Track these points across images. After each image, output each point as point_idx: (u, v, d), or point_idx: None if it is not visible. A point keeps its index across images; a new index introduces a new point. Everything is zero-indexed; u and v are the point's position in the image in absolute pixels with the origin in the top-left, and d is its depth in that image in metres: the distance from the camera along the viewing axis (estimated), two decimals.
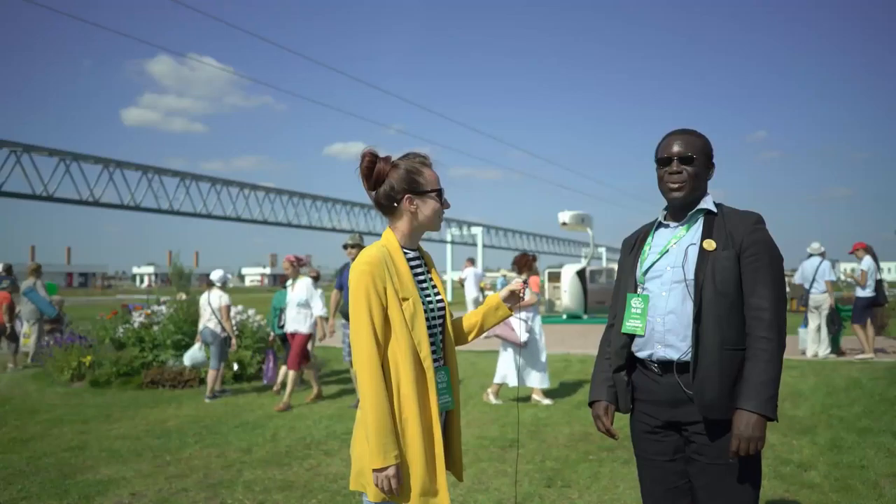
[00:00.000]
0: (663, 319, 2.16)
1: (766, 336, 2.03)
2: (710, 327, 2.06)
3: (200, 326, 7.96)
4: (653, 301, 2.20)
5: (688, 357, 2.11)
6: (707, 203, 2.22)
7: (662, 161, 2.24)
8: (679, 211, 2.26)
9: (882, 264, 10.98)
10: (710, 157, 2.26)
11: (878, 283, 10.42)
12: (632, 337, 2.25)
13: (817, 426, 5.86)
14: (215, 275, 8.07)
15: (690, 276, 2.12)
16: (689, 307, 2.11)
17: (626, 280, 2.32)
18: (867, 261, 10.40)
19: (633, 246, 2.37)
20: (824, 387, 7.77)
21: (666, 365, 2.16)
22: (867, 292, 10.31)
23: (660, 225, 2.32)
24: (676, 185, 2.21)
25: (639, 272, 2.27)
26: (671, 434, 2.20)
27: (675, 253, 2.19)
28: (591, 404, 2.39)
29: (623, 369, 2.29)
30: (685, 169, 2.20)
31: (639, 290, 2.26)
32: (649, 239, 2.31)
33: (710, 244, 2.12)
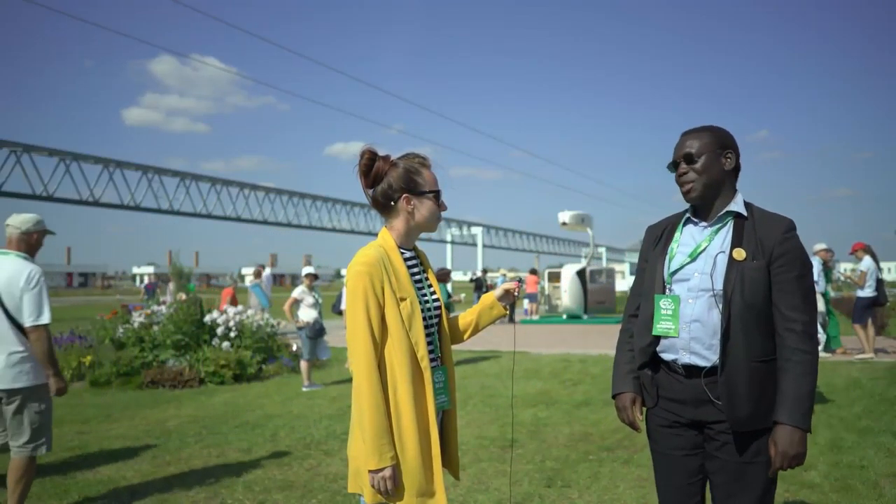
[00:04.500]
0: (688, 327, 2.14)
1: (802, 348, 2.01)
2: (739, 340, 2.04)
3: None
4: (680, 307, 2.16)
5: (715, 366, 2.09)
6: (737, 204, 2.16)
7: (671, 166, 2.24)
8: (704, 210, 2.21)
9: (882, 264, 10.99)
10: (724, 148, 2.17)
11: (879, 282, 10.42)
12: (657, 337, 2.22)
13: (817, 426, 5.86)
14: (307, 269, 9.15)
15: (719, 286, 2.08)
16: (715, 317, 2.08)
17: (652, 277, 2.26)
18: (867, 261, 10.41)
19: (660, 239, 2.31)
20: (824, 387, 7.76)
21: (691, 370, 2.14)
22: (868, 292, 10.32)
23: (688, 220, 2.27)
24: (686, 187, 2.19)
25: (666, 272, 2.22)
26: (691, 430, 2.19)
27: (703, 259, 2.15)
28: (614, 396, 2.35)
29: (647, 366, 2.26)
30: (691, 168, 2.17)
31: (666, 290, 2.21)
32: (677, 234, 2.26)
33: (739, 253, 2.08)
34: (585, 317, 20.62)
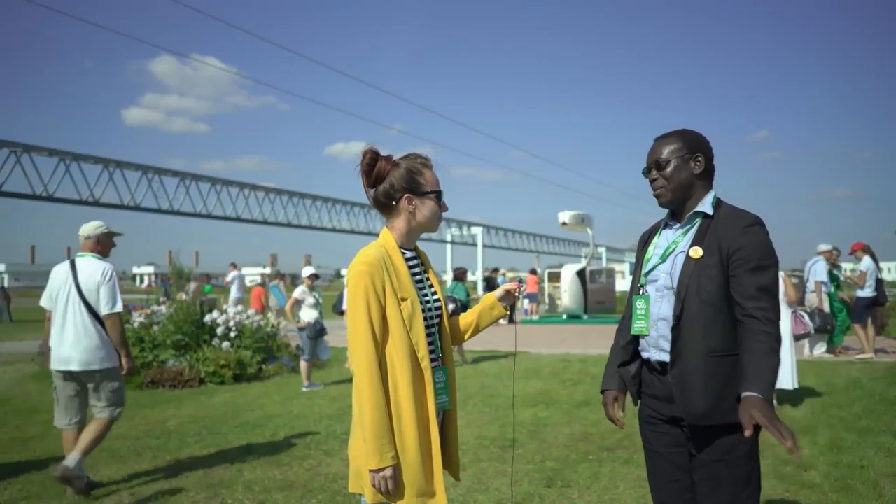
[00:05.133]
0: (656, 325, 2.21)
1: (765, 330, 2.01)
2: (695, 336, 2.08)
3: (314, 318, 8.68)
4: (650, 306, 2.24)
5: None
6: (704, 204, 2.21)
7: (644, 172, 2.30)
8: (678, 212, 2.28)
9: (882, 264, 10.98)
10: (693, 152, 2.22)
11: (879, 282, 10.43)
12: (636, 336, 2.30)
13: (817, 426, 5.86)
14: (307, 270, 9.02)
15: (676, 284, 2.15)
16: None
17: (634, 280, 2.36)
18: (866, 261, 10.42)
19: (645, 243, 2.39)
20: (824, 387, 7.77)
21: (664, 366, 2.21)
22: (867, 292, 10.32)
23: (666, 225, 2.34)
24: (656, 192, 2.26)
25: (642, 274, 2.31)
26: (674, 427, 2.23)
27: (670, 259, 2.21)
28: (602, 392, 2.42)
29: (628, 364, 2.34)
30: (661, 174, 2.23)
31: (641, 291, 2.30)
32: (656, 238, 2.34)
33: (696, 252, 2.13)
34: (585, 317, 20.62)
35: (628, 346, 2.34)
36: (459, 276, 11.43)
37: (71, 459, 4.24)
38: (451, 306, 10.18)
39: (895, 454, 4.96)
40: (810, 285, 10.44)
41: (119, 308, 4.48)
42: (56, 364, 4.42)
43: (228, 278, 18.08)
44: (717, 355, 2.07)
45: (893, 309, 15.36)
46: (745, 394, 1.97)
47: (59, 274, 4.54)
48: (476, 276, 32.86)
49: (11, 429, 6.38)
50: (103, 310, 4.42)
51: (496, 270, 26.35)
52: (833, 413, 6.38)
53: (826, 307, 10.31)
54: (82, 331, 4.39)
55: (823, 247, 10.72)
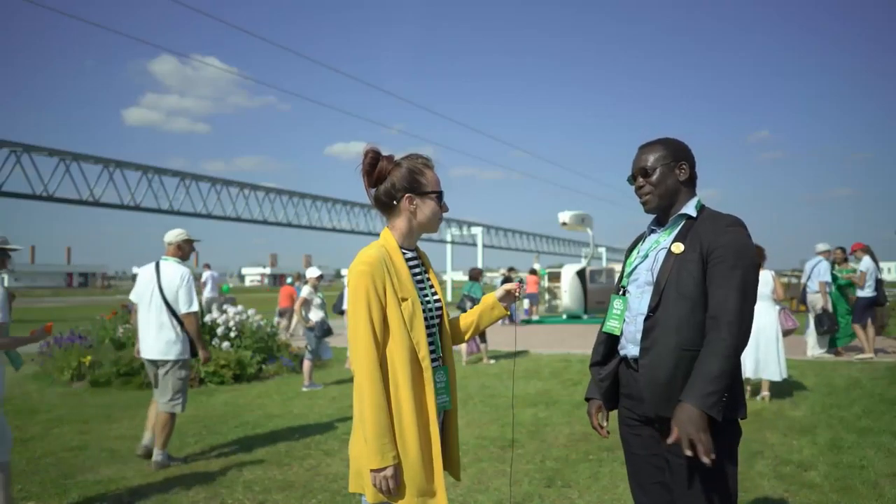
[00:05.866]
0: (635, 320, 2.22)
1: (719, 336, 2.02)
2: (668, 330, 2.10)
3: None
4: (630, 303, 2.27)
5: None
6: (688, 208, 2.24)
7: (630, 180, 2.35)
8: (663, 218, 2.32)
9: (882, 264, 10.98)
10: (677, 160, 2.26)
11: (878, 282, 10.44)
12: (613, 336, 2.33)
13: (817, 426, 5.87)
14: (313, 271, 9.16)
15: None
16: None
17: (617, 281, 2.40)
18: (866, 261, 10.43)
19: (631, 251, 2.44)
20: (824, 387, 7.77)
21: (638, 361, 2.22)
22: (867, 292, 10.32)
23: (652, 231, 2.37)
24: (643, 199, 2.30)
25: (624, 274, 2.35)
26: (648, 428, 2.23)
27: (652, 256, 2.25)
28: (586, 400, 2.44)
29: (600, 364, 2.36)
30: (647, 181, 2.27)
31: (622, 292, 2.33)
32: (640, 243, 2.39)
33: (677, 247, 2.16)
34: (585, 317, 20.64)
35: (599, 347, 2.36)
36: (475, 275, 11.71)
37: (157, 455, 4.98)
38: (468, 304, 10.36)
39: (895, 454, 4.96)
40: (812, 285, 10.42)
41: (195, 308, 5.11)
42: (143, 353, 5.12)
43: (202, 279, 17.82)
44: (689, 350, 2.06)
45: (893, 309, 15.36)
46: (681, 400, 2.01)
47: (146, 274, 5.20)
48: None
49: (11, 429, 6.37)
50: (182, 309, 5.06)
51: (512, 269, 26.42)
52: (833, 413, 6.38)
53: (830, 308, 10.30)
54: (162, 326, 5.04)
55: (822, 247, 10.72)
